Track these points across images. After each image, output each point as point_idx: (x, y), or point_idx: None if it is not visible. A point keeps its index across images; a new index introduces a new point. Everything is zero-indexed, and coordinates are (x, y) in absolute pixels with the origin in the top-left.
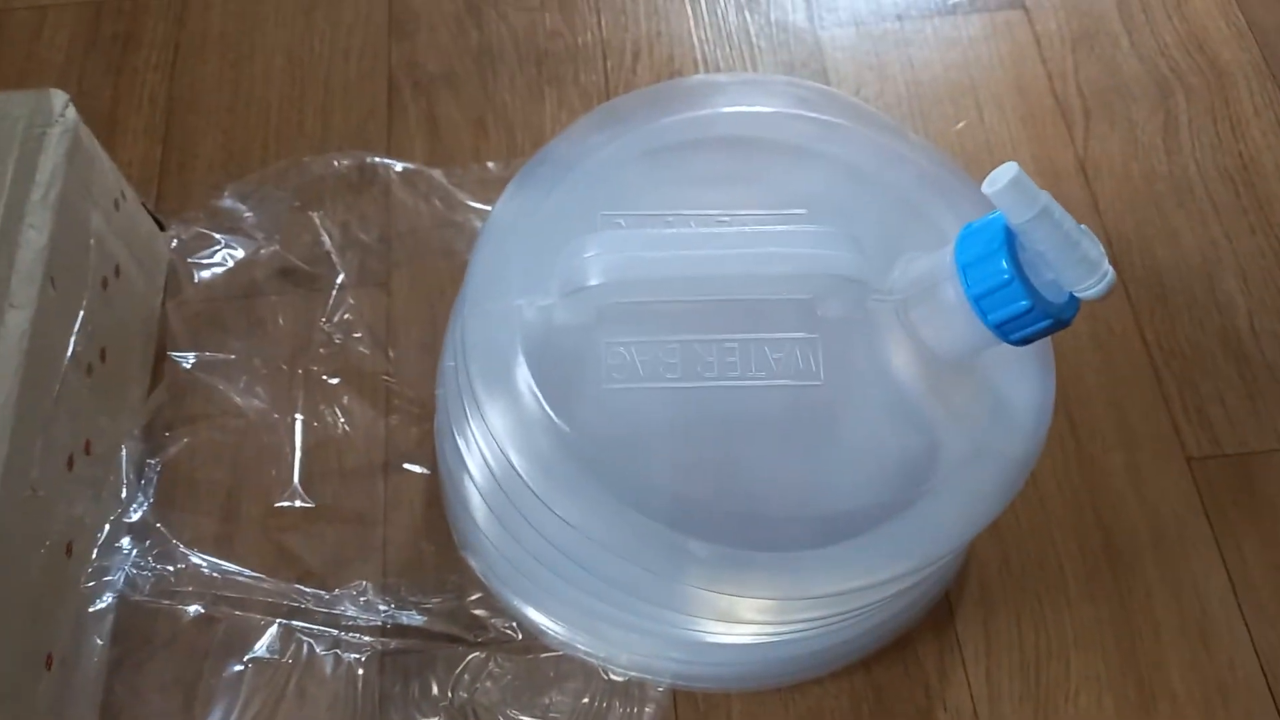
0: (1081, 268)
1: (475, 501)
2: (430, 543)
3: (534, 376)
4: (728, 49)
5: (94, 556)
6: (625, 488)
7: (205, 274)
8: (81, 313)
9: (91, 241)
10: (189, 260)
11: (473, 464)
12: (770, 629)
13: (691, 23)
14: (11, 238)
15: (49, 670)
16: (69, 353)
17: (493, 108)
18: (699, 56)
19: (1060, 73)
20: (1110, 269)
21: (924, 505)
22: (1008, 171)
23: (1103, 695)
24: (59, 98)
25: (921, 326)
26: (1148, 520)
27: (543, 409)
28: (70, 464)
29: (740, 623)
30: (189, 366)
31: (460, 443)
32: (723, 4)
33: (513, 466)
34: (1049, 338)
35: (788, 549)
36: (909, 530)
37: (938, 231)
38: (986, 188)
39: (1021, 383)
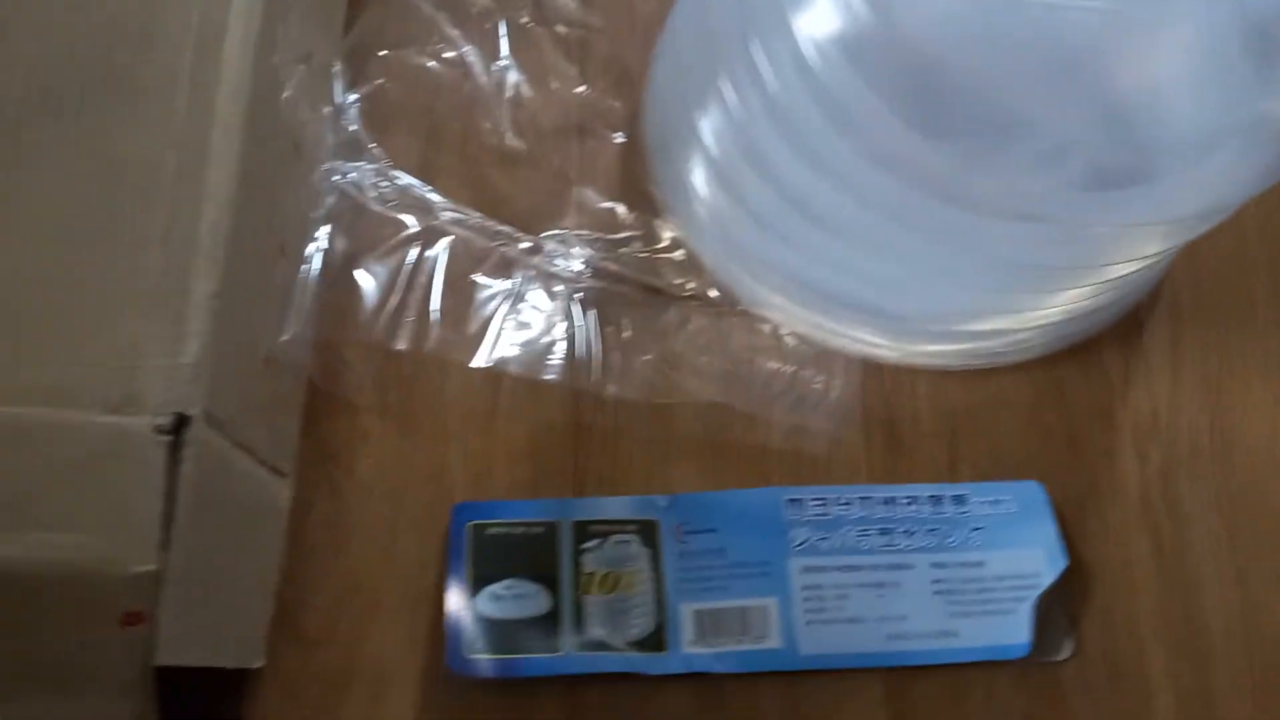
0: None
1: (702, 175)
2: (627, 206)
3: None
4: None
5: (320, 158)
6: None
7: None
8: None
9: None
10: None
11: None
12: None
13: None
14: None
15: (282, 255)
16: None
17: None
18: None
19: None
20: None
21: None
22: None
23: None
24: None
25: None
26: None
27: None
28: (294, 71)
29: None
30: None
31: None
32: None
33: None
34: None
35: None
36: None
37: None
38: None
39: None
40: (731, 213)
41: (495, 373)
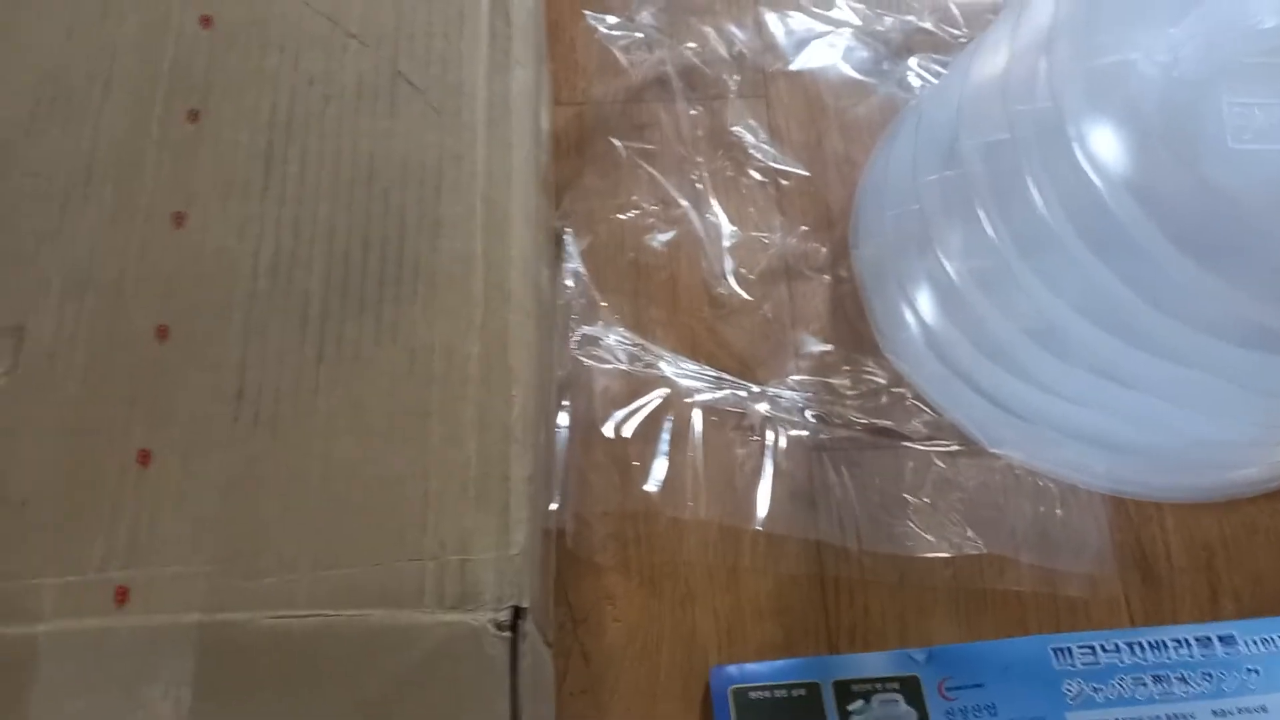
0: None
1: (926, 311)
2: (840, 346)
3: (1157, 134)
4: None
5: (571, 330)
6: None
7: (620, 59)
8: (546, 78)
9: (538, 9)
10: (608, 45)
11: (963, 258)
12: None
13: None
14: None
15: (545, 422)
16: (544, 120)
17: None
18: None
19: None
20: None
21: None
22: None
23: None
24: None
25: None
26: None
27: (1172, 165)
28: (547, 228)
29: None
30: (620, 149)
31: (947, 242)
32: None
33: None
34: None
35: None
36: None
37: None
38: None
39: None
40: (964, 348)
41: (734, 527)
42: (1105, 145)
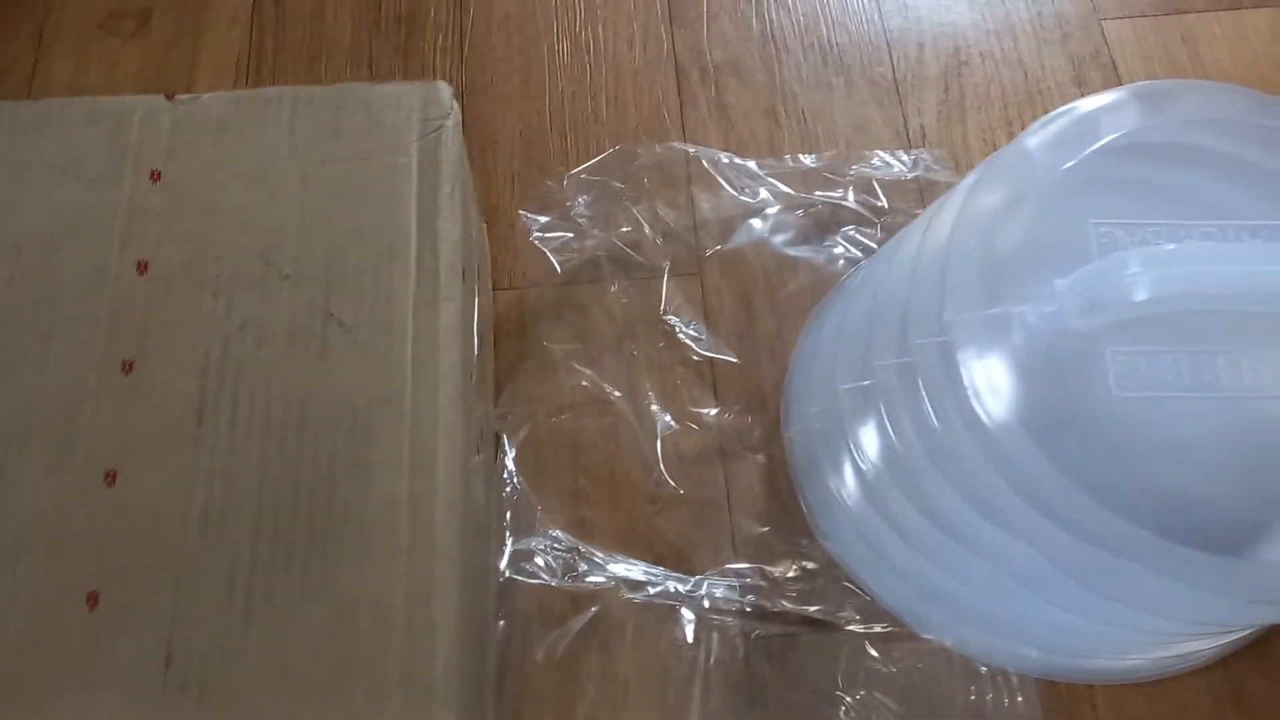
0: None
1: (852, 498)
2: (775, 528)
3: (1041, 382)
4: (1012, 41)
5: (507, 540)
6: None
7: (555, 260)
8: (477, 301)
9: (473, 233)
10: (543, 248)
11: (880, 459)
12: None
13: (974, 14)
14: (432, 231)
15: (481, 651)
16: (475, 343)
17: (782, 97)
18: (985, 49)
19: None
20: None
21: None
22: None
23: None
24: (445, 90)
25: None
26: None
27: (1054, 412)
28: (478, 451)
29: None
30: (552, 351)
31: (866, 438)
32: None
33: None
34: None
35: None
36: None
37: None
38: None
39: None
40: (887, 537)
41: None
42: (994, 386)
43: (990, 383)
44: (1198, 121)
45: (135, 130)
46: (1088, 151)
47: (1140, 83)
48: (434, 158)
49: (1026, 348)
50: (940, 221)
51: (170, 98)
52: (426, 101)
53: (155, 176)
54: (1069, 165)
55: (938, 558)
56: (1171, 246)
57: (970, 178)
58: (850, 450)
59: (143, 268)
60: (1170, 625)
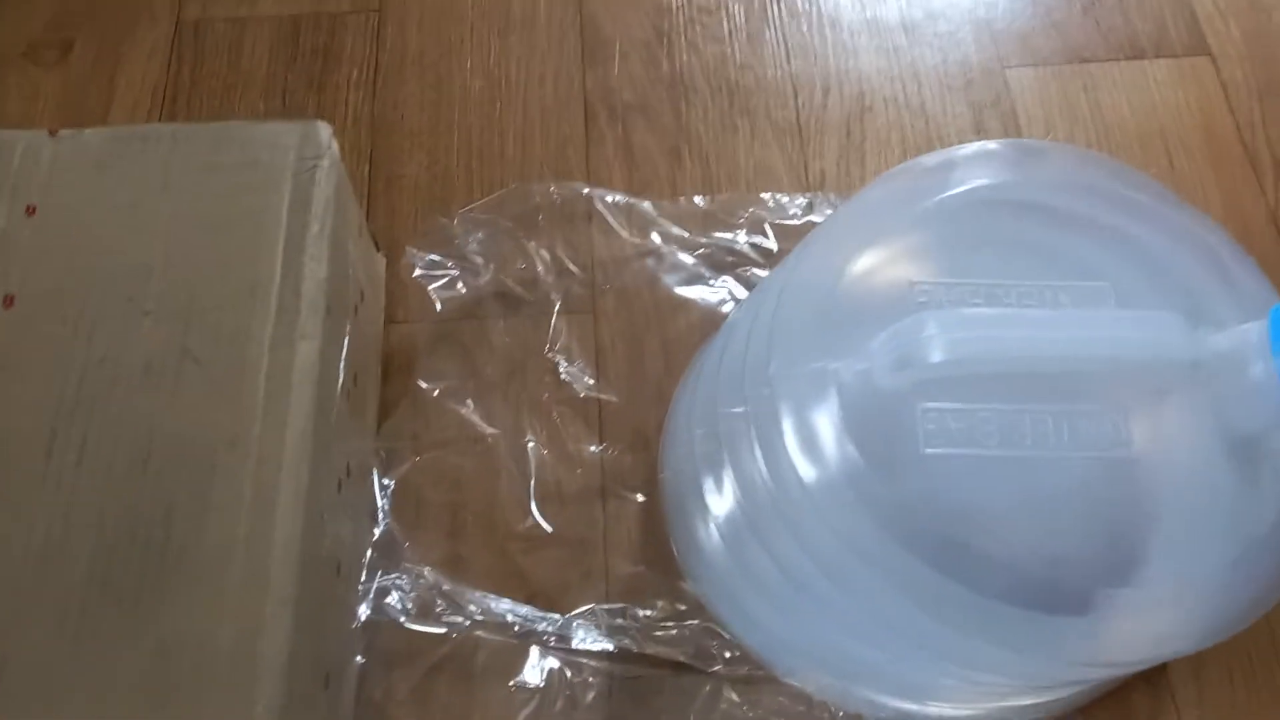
0: None
1: (713, 543)
2: (650, 568)
3: (854, 439)
4: (916, 87)
5: (362, 577)
6: (947, 557)
7: (436, 298)
8: (346, 339)
9: (350, 271)
10: (425, 285)
11: (732, 507)
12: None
13: (879, 60)
14: (296, 269)
15: (325, 689)
16: (340, 379)
17: (687, 138)
18: (889, 95)
19: (1249, 123)
20: None
21: (1232, 575)
22: None
23: None
24: (324, 130)
25: (1224, 401)
26: None
27: (866, 469)
28: (340, 487)
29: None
30: (428, 389)
31: (720, 485)
32: (908, 42)
33: (822, 519)
34: None
35: (1097, 615)
36: (1211, 600)
37: (1227, 307)
38: None
39: None
40: (741, 582)
41: None
42: (812, 440)
43: (809, 437)
44: (1048, 182)
45: (15, 164)
46: (927, 205)
47: (998, 140)
48: (305, 196)
49: (843, 404)
50: (785, 269)
51: (54, 133)
52: (304, 140)
53: (30, 211)
54: (908, 219)
55: (784, 604)
56: (968, 310)
57: (819, 226)
58: (703, 495)
59: (9, 301)
60: (993, 679)
